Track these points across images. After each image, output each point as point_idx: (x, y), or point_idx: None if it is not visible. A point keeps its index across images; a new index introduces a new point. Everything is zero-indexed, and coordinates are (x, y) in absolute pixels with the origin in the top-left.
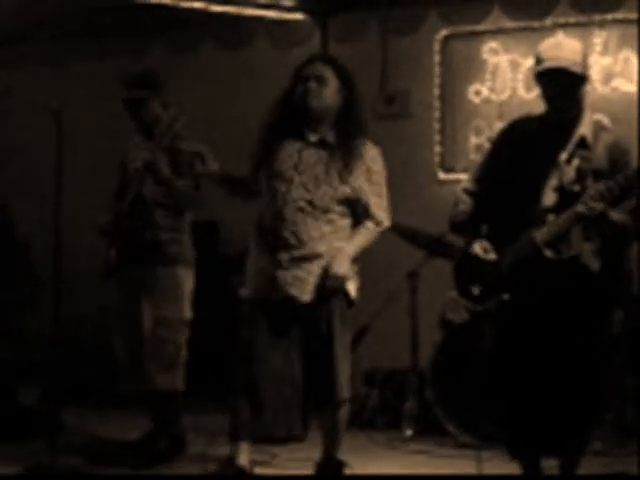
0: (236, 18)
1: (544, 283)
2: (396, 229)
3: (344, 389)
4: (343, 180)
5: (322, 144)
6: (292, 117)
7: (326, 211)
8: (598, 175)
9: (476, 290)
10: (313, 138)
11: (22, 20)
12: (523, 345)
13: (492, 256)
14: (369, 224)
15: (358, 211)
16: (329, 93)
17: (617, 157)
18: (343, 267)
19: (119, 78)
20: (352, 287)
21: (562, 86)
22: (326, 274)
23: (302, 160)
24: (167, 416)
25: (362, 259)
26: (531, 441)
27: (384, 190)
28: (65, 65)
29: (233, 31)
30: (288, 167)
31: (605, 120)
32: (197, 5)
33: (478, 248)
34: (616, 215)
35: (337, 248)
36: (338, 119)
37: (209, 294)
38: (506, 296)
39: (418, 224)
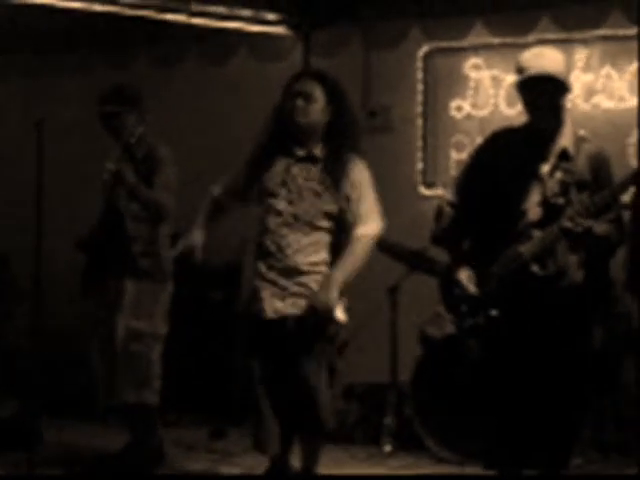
0: (219, 32)
1: (531, 298)
2: (376, 244)
3: (326, 417)
4: (329, 194)
5: (310, 159)
6: (282, 134)
7: (310, 225)
8: (581, 187)
9: (464, 306)
10: (301, 153)
11: (4, 32)
12: (510, 360)
13: (473, 289)
14: (360, 232)
15: (346, 225)
16: (316, 110)
17: (599, 168)
18: (330, 299)
19: (97, 93)
20: (340, 312)
21: (546, 94)
22: (311, 306)
23: (289, 175)
24: (143, 429)
25: None
26: (513, 453)
27: (374, 200)
28: (47, 78)
29: (216, 45)
30: (275, 183)
31: (584, 133)
32: (180, 19)
33: (463, 275)
34: (600, 228)
35: (325, 274)
36: (327, 134)
37: (190, 308)
38: (494, 312)
39: (399, 239)
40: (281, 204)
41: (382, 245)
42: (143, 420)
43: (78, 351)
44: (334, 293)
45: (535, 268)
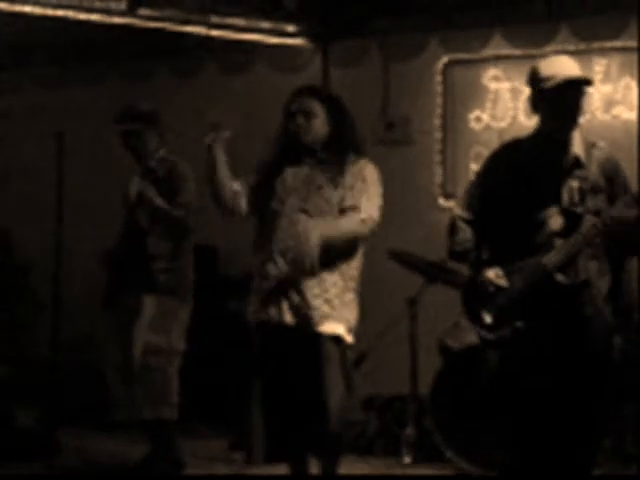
0: (238, 44)
1: (559, 308)
2: (395, 256)
3: (336, 426)
4: (333, 186)
5: (315, 161)
6: (288, 149)
7: (319, 217)
8: (596, 193)
9: (488, 318)
10: (307, 159)
11: (23, 44)
12: (535, 371)
13: (503, 282)
14: (353, 214)
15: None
16: (318, 125)
17: (611, 172)
18: (312, 238)
19: (115, 112)
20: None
21: (575, 98)
22: (294, 260)
23: (295, 179)
24: (162, 442)
25: (362, 284)
26: (534, 465)
27: (376, 195)
28: (66, 89)
29: (235, 56)
30: (282, 189)
31: (592, 139)
32: (199, 31)
33: (491, 274)
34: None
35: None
36: (328, 142)
37: (208, 320)
38: (521, 323)
39: (418, 250)
40: (289, 205)
41: (400, 257)
42: (162, 433)
43: (97, 361)
44: (314, 243)
45: (561, 277)
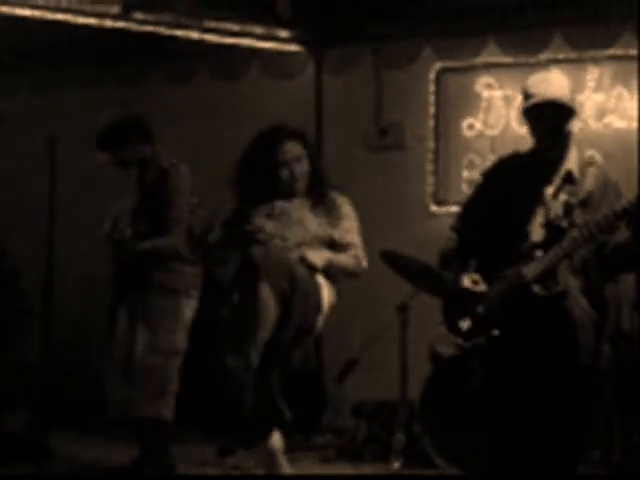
0: (231, 48)
1: (533, 319)
2: (386, 257)
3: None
4: (318, 220)
5: (292, 195)
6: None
7: (299, 245)
8: (586, 208)
9: (464, 326)
10: (284, 192)
11: (17, 48)
12: (512, 380)
13: (482, 287)
14: (350, 252)
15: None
16: (305, 167)
17: (605, 191)
18: (318, 258)
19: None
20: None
21: (550, 121)
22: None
23: (274, 210)
24: (155, 444)
25: (352, 292)
26: (518, 475)
27: (356, 235)
28: (59, 93)
29: (228, 61)
30: (261, 218)
31: (597, 156)
32: (192, 35)
33: (467, 281)
34: (621, 236)
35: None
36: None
37: (199, 324)
38: (496, 332)
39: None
40: (267, 233)
41: (392, 258)
42: (157, 434)
43: (87, 364)
44: (321, 258)
45: (537, 289)
